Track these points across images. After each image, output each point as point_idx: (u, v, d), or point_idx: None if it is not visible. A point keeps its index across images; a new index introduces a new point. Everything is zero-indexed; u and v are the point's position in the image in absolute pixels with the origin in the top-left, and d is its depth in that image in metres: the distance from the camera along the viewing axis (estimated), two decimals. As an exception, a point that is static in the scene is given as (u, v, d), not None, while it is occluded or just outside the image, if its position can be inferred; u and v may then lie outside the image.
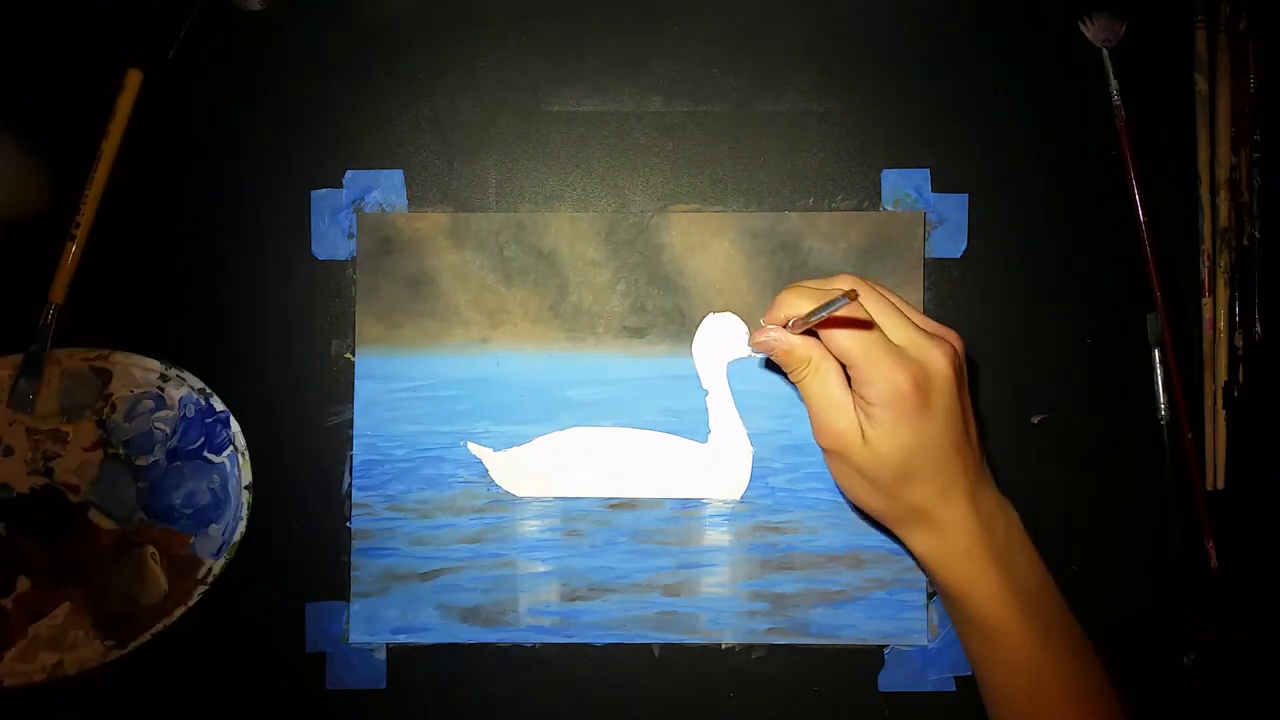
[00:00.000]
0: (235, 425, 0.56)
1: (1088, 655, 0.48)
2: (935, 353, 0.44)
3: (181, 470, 0.56)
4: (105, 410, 0.56)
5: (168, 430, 0.56)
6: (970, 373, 0.47)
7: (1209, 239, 0.58)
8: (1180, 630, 0.57)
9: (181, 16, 0.58)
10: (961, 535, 0.45)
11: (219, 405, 0.56)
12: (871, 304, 0.45)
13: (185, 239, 0.58)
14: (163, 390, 0.56)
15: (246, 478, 0.56)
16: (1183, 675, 0.57)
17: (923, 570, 0.48)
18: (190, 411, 0.56)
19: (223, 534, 0.56)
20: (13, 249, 0.57)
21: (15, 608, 0.55)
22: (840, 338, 0.43)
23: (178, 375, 0.56)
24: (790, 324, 0.45)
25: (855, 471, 0.45)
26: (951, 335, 0.46)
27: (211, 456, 0.56)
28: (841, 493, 0.48)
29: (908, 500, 0.45)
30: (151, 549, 0.56)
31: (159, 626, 0.55)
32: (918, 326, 0.45)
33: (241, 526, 0.56)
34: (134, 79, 0.57)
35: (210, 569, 0.56)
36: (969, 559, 0.46)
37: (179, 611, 0.55)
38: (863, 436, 0.44)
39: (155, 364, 0.56)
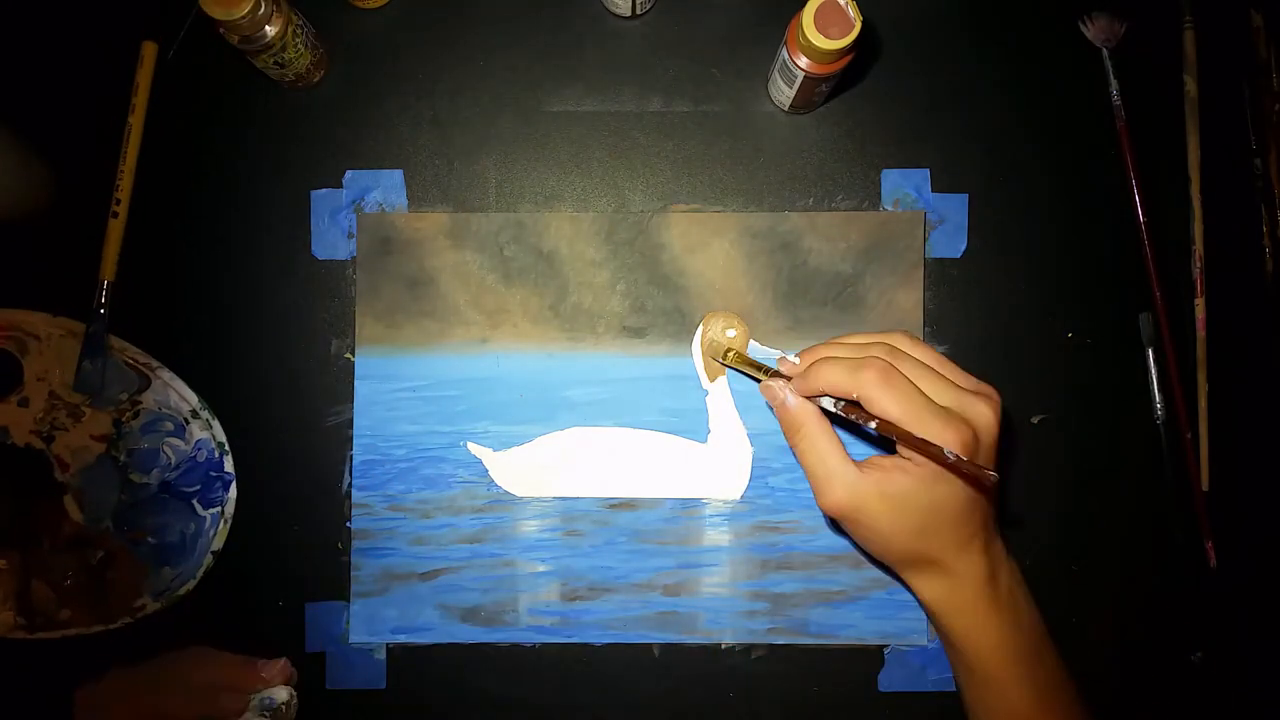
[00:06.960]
0: (233, 492, 0.56)
1: (1080, 712, 0.48)
2: (981, 408, 0.44)
3: (165, 504, 0.56)
4: (127, 414, 0.56)
5: (172, 461, 0.56)
6: (970, 373, 0.47)
7: (1199, 240, 0.58)
8: (1178, 629, 0.57)
9: (182, 16, 0.58)
10: (969, 584, 0.46)
11: (229, 467, 0.56)
12: (911, 369, 0.44)
13: (186, 238, 0.58)
14: (187, 424, 0.56)
15: (218, 544, 0.56)
16: (1186, 674, 0.57)
17: (927, 615, 0.48)
18: (201, 457, 0.56)
19: (172, 581, 0.56)
20: (58, 237, 0.57)
21: None
22: (883, 404, 0.43)
23: (208, 419, 0.56)
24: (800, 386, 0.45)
25: (870, 528, 0.45)
26: (991, 391, 0.46)
27: (198, 507, 0.56)
28: (852, 542, 0.48)
29: (923, 550, 0.45)
30: (101, 554, 0.55)
31: (72, 632, 0.55)
32: (959, 386, 0.45)
33: (192, 584, 0.56)
34: (150, 50, 0.57)
35: (144, 605, 0.55)
36: (974, 608, 0.46)
37: (96, 629, 0.55)
38: (880, 495, 0.44)
39: (194, 397, 0.56)
